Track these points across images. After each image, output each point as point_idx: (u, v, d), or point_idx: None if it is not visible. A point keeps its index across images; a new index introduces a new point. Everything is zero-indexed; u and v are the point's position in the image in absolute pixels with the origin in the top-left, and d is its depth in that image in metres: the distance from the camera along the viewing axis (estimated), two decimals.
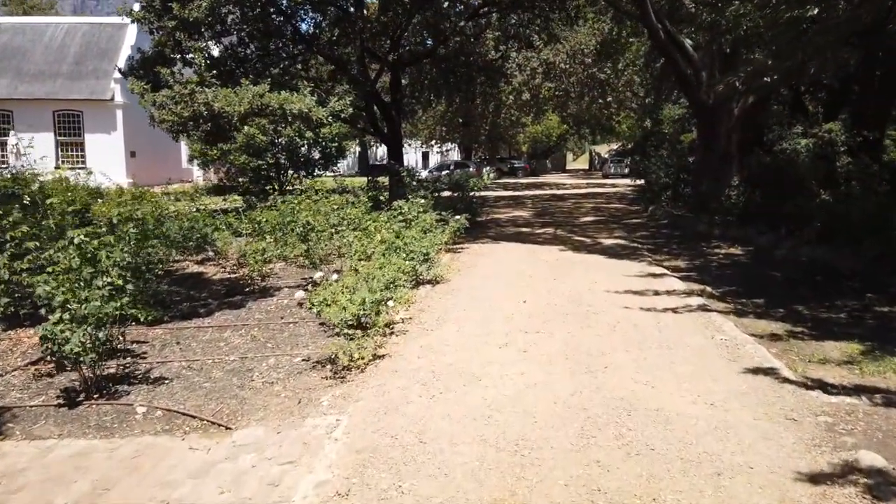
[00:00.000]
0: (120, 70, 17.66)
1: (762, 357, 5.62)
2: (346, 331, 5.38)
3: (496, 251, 11.95)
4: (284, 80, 17.01)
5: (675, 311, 7.34)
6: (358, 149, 54.20)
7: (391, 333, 6.53)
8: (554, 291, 8.39)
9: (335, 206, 9.97)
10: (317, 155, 33.98)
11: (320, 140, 33.76)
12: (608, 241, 13.04)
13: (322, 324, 6.75)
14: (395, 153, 22.19)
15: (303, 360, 5.85)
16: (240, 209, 10.81)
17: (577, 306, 7.57)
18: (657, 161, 20.05)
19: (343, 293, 6.25)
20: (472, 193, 17.95)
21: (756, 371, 5.26)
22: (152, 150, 31.16)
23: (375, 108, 22.19)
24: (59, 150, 31.88)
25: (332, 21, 18.69)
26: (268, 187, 21.76)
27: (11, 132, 29.86)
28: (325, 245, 8.23)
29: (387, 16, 18.90)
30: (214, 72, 15.52)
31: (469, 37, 22.30)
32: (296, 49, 19.78)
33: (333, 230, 7.87)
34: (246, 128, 26.96)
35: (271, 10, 18.12)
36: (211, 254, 11.20)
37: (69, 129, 31.79)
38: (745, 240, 12.15)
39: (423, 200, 11.60)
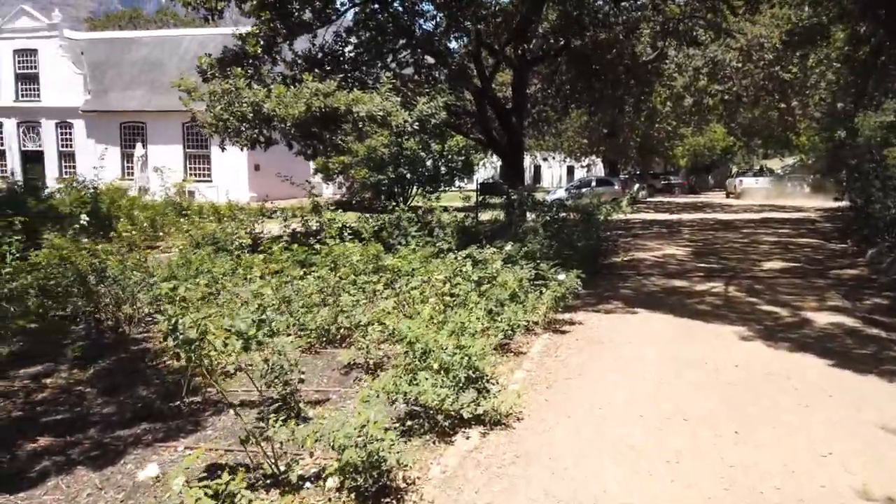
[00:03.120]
0: (199, 69, 15.32)
1: None
2: None
3: (627, 335, 7.32)
4: (364, 78, 13.66)
5: None
6: (499, 162, 50.69)
7: None
8: (745, 495, 3.81)
9: (357, 257, 6.13)
10: (443, 169, 30.62)
11: (445, 153, 30.36)
12: (821, 319, 7.90)
13: None
14: (515, 169, 18.06)
15: None
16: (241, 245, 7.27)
17: None
18: (881, 183, 14.10)
19: None
20: (601, 219, 12.75)
21: None
22: (278, 163, 29.57)
23: (494, 115, 18.23)
24: (188, 162, 31.51)
25: (439, 4, 15.03)
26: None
27: (139, 144, 29.88)
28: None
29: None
30: (271, 67, 12.52)
31: (619, 29, 17.62)
32: (394, 45, 16.39)
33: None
34: (370, 140, 24.10)
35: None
36: None
37: (196, 141, 31.39)
38: None
39: (509, 246, 7.36)
